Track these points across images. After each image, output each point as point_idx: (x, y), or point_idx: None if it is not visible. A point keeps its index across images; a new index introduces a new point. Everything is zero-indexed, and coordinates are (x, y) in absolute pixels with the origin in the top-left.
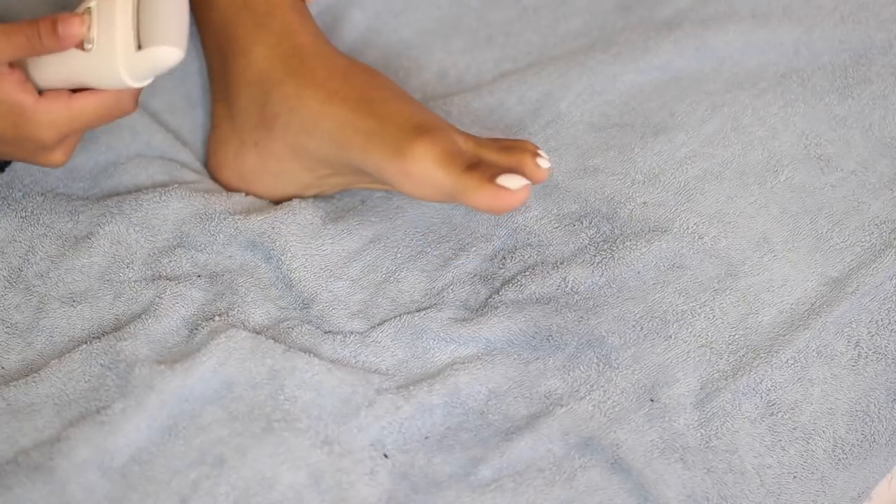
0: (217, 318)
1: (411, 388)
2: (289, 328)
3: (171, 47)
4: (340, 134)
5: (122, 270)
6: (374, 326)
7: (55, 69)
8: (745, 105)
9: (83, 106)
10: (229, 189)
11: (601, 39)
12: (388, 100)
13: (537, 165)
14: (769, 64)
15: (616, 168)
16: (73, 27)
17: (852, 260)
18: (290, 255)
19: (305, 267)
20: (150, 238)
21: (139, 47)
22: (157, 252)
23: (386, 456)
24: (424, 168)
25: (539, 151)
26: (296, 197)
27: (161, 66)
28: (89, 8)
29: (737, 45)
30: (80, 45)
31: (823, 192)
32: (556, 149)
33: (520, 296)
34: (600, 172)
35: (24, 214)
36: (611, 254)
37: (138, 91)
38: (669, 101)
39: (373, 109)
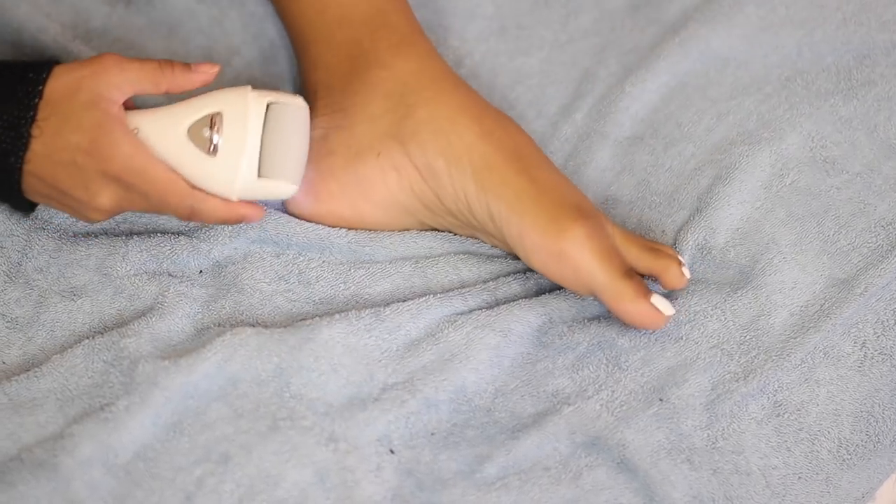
0: (222, 315)
1: (417, 383)
2: (301, 320)
3: (291, 184)
4: (488, 177)
5: (118, 264)
6: (392, 303)
7: (167, 147)
8: (750, 111)
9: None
10: (305, 208)
11: (611, 42)
12: (542, 165)
13: (681, 275)
14: (773, 67)
15: (633, 194)
16: (208, 70)
17: (859, 261)
18: (307, 256)
19: (323, 266)
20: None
21: (260, 174)
22: (155, 242)
23: (392, 451)
24: (581, 256)
25: (682, 260)
26: (378, 228)
27: (273, 196)
28: (220, 113)
29: (741, 48)
30: (206, 147)
31: (829, 194)
32: (575, 171)
33: (543, 292)
34: (620, 203)
35: None
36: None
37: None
38: (676, 111)
39: (527, 169)
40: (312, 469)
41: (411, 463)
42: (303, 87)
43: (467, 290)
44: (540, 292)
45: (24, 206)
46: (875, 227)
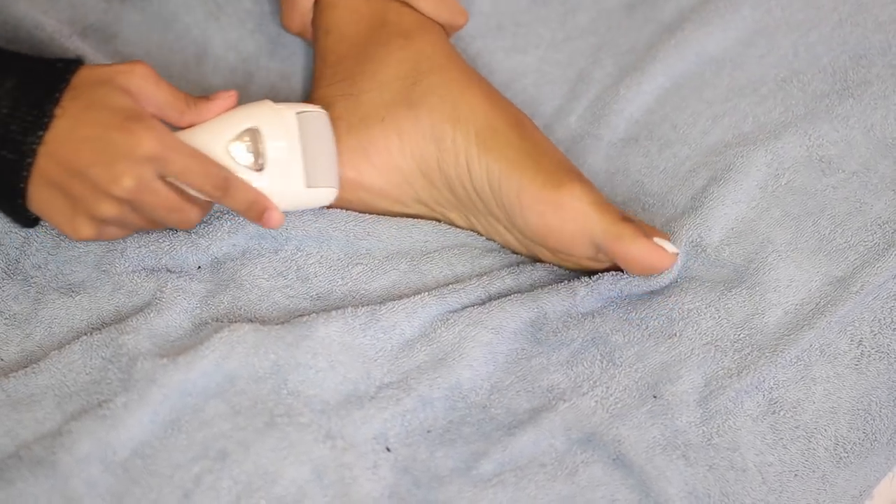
0: (220, 311)
1: (412, 381)
2: (298, 316)
3: (336, 189)
4: (491, 138)
5: (116, 260)
6: (388, 301)
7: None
8: (746, 113)
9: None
10: None
11: (607, 42)
12: (540, 133)
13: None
14: (769, 68)
15: (627, 194)
16: (227, 97)
17: (855, 260)
18: (305, 252)
19: (321, 263)
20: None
21: (307, 184)
22: (153, 238)
23: (388, 449)
24: (580, 204)
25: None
26: (376, 195)
27: (317, 204)
28: (257, 129)
29: (736, 49)
30: (250, 163)
31: (825, 193)
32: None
33: (536, 286)
34: (612, 202)
35: None
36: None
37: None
38: (671, 113)
39: (529, 134)
40: (310, 466)
41: (408, 460)
42: (315, 53)
43: (461, 286)
44: (533, 286)
45: (24, 213)
46: (871, 226)
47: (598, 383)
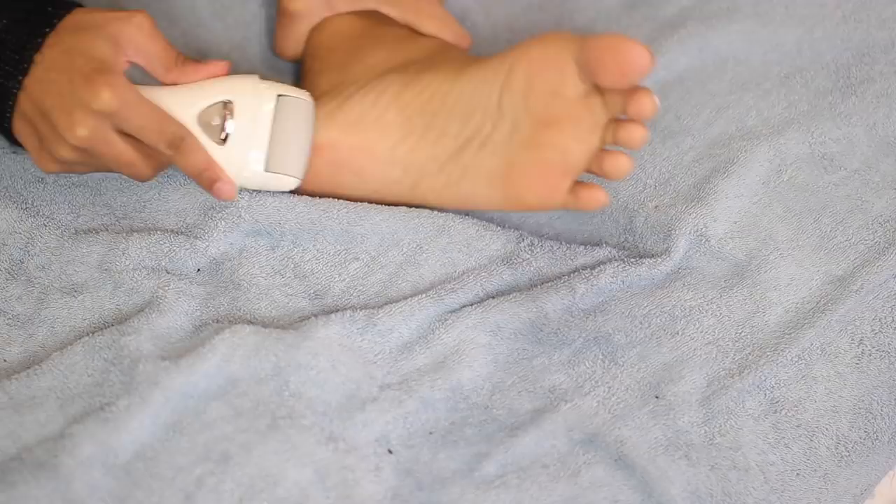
0: (220, 312)
1: (412, 383)
2: (297, 316)
3: (295, 179)
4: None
5: (118, 259)
6: (385, 304)
7: None
8: (750, 107)
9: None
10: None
11: None
12: None
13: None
14: (772, 63)
15: (628, 176)
16: (219, 65)
17: (856, 258)
18: (301, 247)
19: (318, 259)
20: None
21: (266, 167)
22: (154, 240)
23: (390, 451)
24: (557, 37)
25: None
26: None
27: (274, 188)
28: (231, 102)
29: (740, 45)
30: (216, 135)
31: (827, 190)
32: None
33: (536, 285)
34: (613, 181)
35: (24, 206)
36: (631, 262)
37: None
38: (675, 104)
39: None
40: (312, 468)
41: (410, 462)
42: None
43: (458, 284)
44: (532, 282)
45: (13, 141)
46: (872, 224)
47: (599, 383)
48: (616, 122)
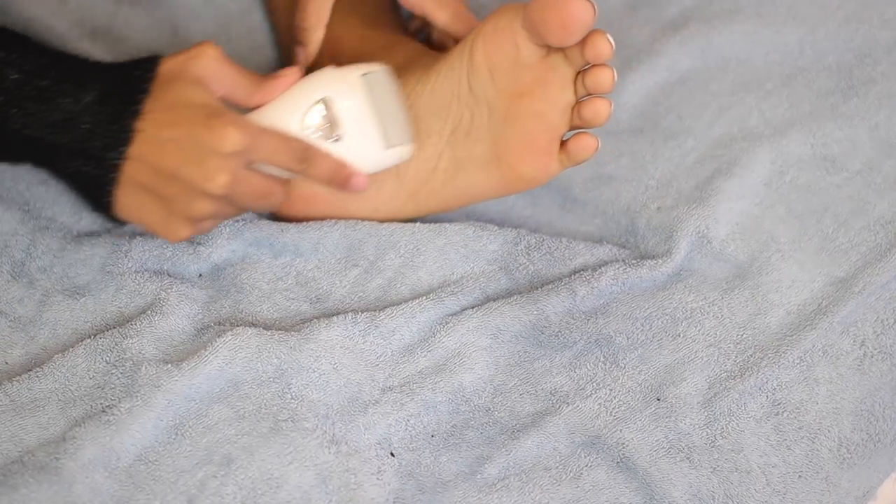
0: (222, 315)
1: (414, 386)
2: (299, 319)
3: (412, 145)
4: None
5: (120, 261)
6: (386, 307)
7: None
8: (752, 107)
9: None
10: None
11: None
12: None
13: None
14: (774, 64)
15: (629, 175)
16: (292, 73)
17: (858, 260)
18: (303, 258)
19: (319, 268)
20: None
21: (387, 145)
22: (157, 243)
23: (392, 454)
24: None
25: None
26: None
27: (399, 160)
28: (328, 98)
29: (742, 46)
30: (327, 134)
31: (829, 192)
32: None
33: (536, 288)
34: (615, 180)
35: (27, 208)
36: (632, 264)
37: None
38: (677, 104)
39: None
40: (314, 471)
41: (412, 465)
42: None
43: (458, 287)
44: (531, 285)
45: (113, 220)
46: (874, 226)
47: (601, 385)
48: (582, 72)
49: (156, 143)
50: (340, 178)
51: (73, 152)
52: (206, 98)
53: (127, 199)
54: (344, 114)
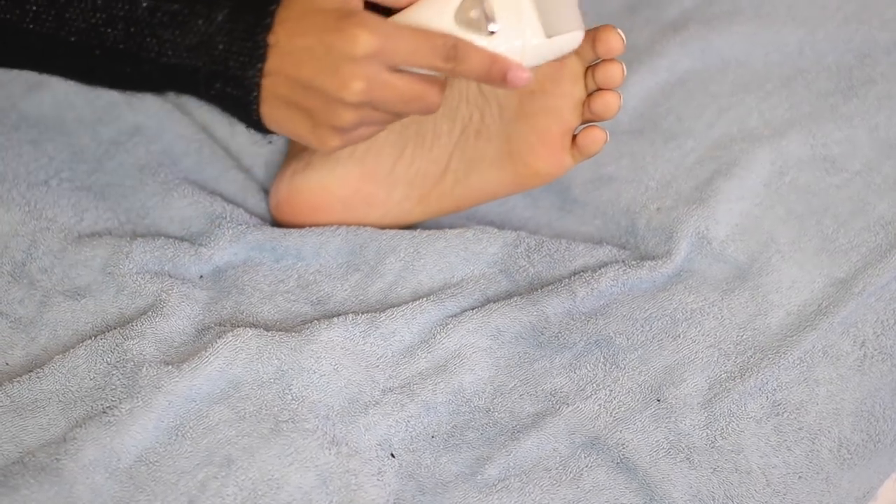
0: (223, 315)
1: (415, 386)
2: (300, 320)
3: (580, 31)
4: None
5: (121, 262)
6: (387, 308)
7: None
8: (751, 108)
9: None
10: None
11: None
12: None
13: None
14: (774, 65)
15: (629, 176)
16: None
17: (858, 260)
18: (305, 262)
19: (320, 272)
20: (153, 232)
21: (548, 33)
22: (158, 244)
23: (393, 455)
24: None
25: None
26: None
27: (566, 50)
28: None
29: (741, 46)
30: (481, 28)
31: (829, 192)
32: None
33: (535, 288)
34: (614, 181)
35: (27, 209)
36: (632, 265)
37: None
38: (677, 105)
39: None
40: (315, 473)
41: (412, 466)
42: None
43: (458, 289)
44: (531, 286)
45: (266, 132)
46: (874, 226)
47: (601, 386)
48: (592, 67)
49: (290, 54)
50: (496, 72)
51: (212, 74)
52: (341, 3)
53: (274, 113)
54: (496, 3)
